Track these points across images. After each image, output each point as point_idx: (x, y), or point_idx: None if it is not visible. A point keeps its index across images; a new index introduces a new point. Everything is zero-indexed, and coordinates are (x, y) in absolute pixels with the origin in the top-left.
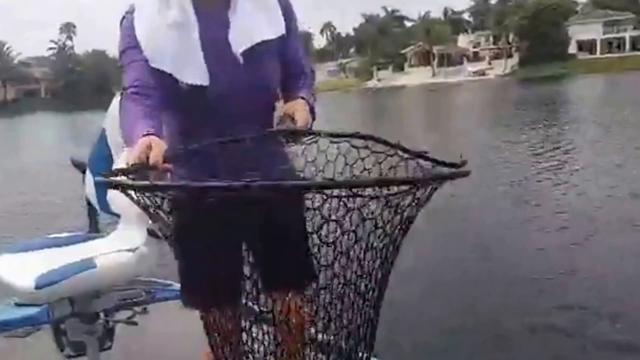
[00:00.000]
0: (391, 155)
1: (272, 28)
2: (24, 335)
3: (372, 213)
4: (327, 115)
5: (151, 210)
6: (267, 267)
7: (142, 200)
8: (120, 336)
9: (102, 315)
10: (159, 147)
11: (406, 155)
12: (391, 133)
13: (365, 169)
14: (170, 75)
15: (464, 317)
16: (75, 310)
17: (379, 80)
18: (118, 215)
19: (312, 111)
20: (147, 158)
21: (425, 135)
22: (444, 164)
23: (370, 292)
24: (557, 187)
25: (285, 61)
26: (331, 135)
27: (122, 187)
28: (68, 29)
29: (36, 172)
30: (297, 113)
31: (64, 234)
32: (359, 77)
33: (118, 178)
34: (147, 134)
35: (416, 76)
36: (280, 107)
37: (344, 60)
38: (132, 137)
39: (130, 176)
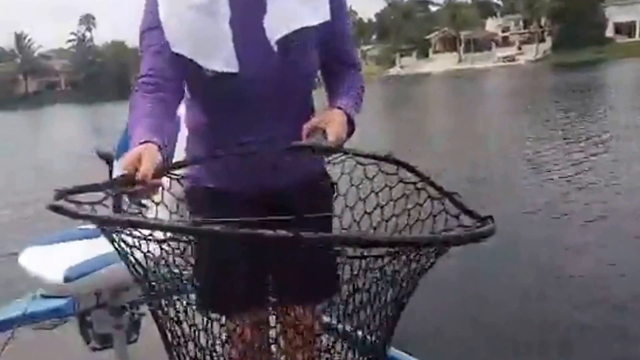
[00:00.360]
0: (419, 189)
1: (314, 13)
2: (50, 328)
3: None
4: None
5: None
6: (289, 278)
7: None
8: (146, 329)
9: (128, 307)
10: (149, 161)
11: (435, 194)
12: (413, 122)
13: (391, 199)
14: (192, 61)
15: None
16: (101, 303)
17: (401, 67)
18: (145, 206)
19: (350, 122)
20: (137, 170)
21: (449, 124)
22: (470, 214)
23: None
24: (597, 180)
25: (329, 51)
26: (359, 155)
27: (63, 213)
28: (87, 20)
29: (59, 164)
30: (329, 126)
31: (92, 226)
32: (381, 64)
33: (60, 202)
34: (145, 142)
35: (441, 63)
36: (324, 107)
37: (365, 47)
38: (132, 140)
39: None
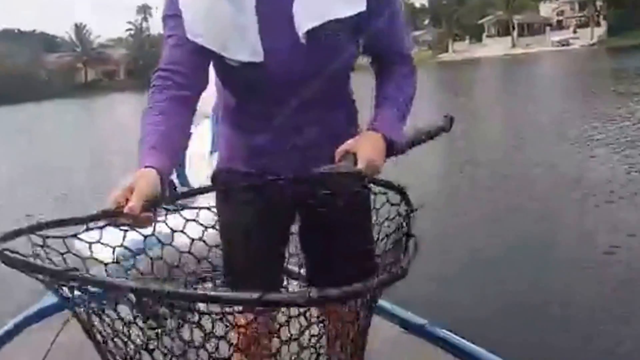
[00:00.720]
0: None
1: (346, 2)
2: (101, 309)
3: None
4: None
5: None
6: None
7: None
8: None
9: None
10: (140, 195)
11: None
12: (464, 107)
13: (387, 234)
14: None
15: None
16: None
17: (454, 52)
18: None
19: (390, 145)
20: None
21: (500, 109)
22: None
23: None
24: None
25: (371, 41)
26: (378, 183)
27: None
28: (144, 10)
29: (120, 151)
30: (361, 151)
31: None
32: (434, 49)
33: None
34: (146, 166)
35: (494, 47)
36: (368, 120)
37: (417, 33)
38: (139, 158)
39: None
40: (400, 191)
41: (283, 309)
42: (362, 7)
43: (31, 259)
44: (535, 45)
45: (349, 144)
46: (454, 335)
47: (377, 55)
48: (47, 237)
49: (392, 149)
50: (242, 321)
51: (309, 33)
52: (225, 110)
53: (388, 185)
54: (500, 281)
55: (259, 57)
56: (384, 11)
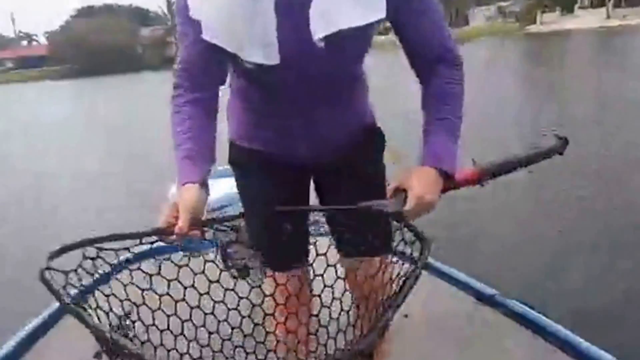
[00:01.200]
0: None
1: (365, 9)
2: (197, 256)
3: None
4: (482, 62)
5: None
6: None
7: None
8: None
9: None
10: (186, 213)
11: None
12: (550, 81)
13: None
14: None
15: None
16: (240, 238)
17: (541, 24)
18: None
19: (447, 176)
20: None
21: (592, 85)
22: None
23: None
24: None
25: (406, 48)
26: (407, 226)
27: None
28: None
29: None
30: (412, 190)
31: None
32: (521, 21)
33: (73, 307)
34: (186, 182)
35: (587, 19)
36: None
37: (504, 3)
38: (176, 159)
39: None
40: (423, 244)
41: (315, 265)
42: (382, 14)
43: (85, 314)
44: (633, 17)
45: (400, 180)
46: (524, 306)
47: (415, 59)
48: (102, 249)
49: (448, 180)
50: (282, 280)
51: (325, 37)
52: (236, 90)
53: (417, 234)
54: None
55: (274, 60)
56: (415, 13)
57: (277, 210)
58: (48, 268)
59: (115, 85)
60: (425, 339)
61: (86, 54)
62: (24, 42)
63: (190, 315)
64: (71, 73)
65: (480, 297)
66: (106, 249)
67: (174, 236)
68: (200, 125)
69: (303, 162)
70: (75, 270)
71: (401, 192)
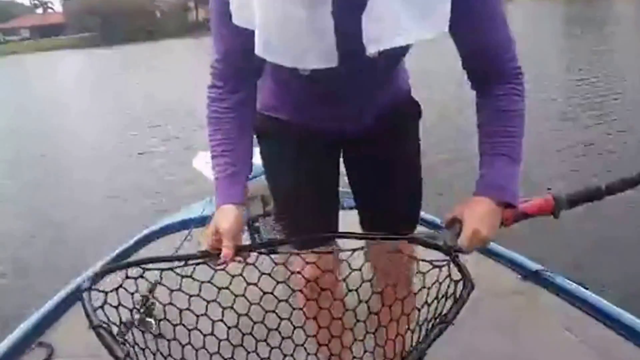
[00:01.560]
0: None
1: (423, 24)
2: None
3: None
4: (527, 25)
5: None
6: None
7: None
8: None
9: None
10: (229, 238)
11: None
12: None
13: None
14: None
15: None
16: (267, 210)
17: None
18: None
19: (507, 205)
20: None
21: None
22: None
23: None
24: None
25: (462, 59)
26: (455, 262)
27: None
28: None
29: None
30: (467, 222)
31: None
32: None
33: (100, 330)
34: (225, 203)
35: None
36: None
37: None
38: (215, 182)
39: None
40: (465, 282)
41: (343, 246)
42: (444, 27)
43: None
44: None
45: (457, 210)
46: (569, 282)
47: (472, 71)
48: (146, 269)
49: (511, 210)
50: (311, 258)
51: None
52: (271, 74)
53: (462, 272)
54: None
55: (333, 63)
56: (478, 29)
57: (319, 230)
58: (89, 289)
59: (147, 55)
60: (469, 319)
61: (103, 21)
62: (39, 10)
63: (223, 315)
64: (92, 41)
65: (524, 272)
66: (149, 269)
67: (220, 262)
68: (238, 134)
69: (335, 136)
70: (117, 290)
71: (457, 223)
